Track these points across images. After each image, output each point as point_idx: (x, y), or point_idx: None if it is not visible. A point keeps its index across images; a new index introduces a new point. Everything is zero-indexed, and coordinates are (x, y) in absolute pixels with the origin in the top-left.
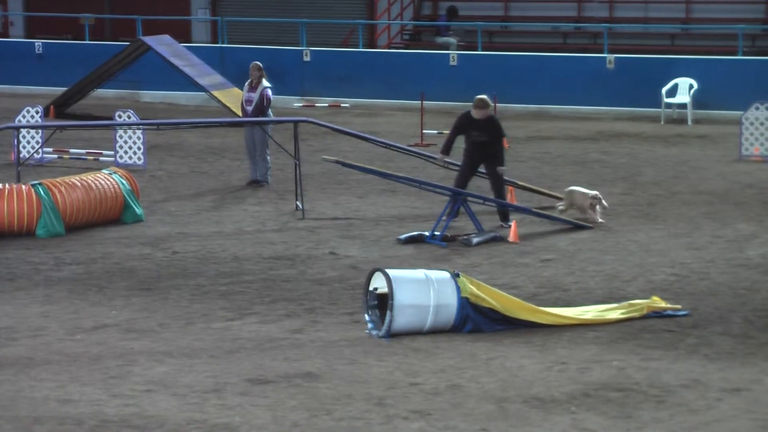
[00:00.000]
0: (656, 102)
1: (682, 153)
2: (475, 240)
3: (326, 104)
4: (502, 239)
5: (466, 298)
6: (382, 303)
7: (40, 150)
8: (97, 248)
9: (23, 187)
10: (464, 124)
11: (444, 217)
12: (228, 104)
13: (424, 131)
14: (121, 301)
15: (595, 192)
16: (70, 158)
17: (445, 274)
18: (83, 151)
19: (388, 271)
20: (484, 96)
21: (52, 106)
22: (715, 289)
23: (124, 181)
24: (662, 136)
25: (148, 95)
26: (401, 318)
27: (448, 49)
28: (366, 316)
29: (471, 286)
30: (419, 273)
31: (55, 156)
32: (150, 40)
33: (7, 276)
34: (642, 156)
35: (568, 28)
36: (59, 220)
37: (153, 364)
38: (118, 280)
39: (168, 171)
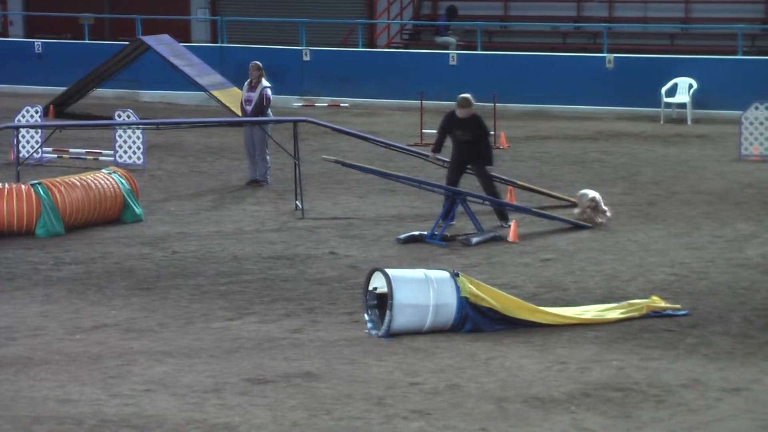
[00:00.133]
0: (656, 102)
1: (682, 153)
2: (475, 240)
3: (326, 104)
4: (501, 239)
5: (466, 298)
6: (382, 302)
7: (39, 150)
8: (96, 248)
9: (23, 186)
10: (449, 123)
11: (441, 221)
12: (227, 104)
13: (423, 131)
14: (120, 301)
15: (593, 195)
16: (70, 158)
17: (445, 274)
18: (83, 150)
19: (387, 270)
20: (467, 95)
21: (51, 106)
22: (714, 288)
23: (123, 181)
24: (662, 135)
25: (148, 95)
26: (401, 317)
27: (447, 49)
28: (365, 315)
29: (470, 286)
30: (419, 272)
31: (55, 156)
32: (149, 39)
33: (6, 275)
34: (641, 156)
35: (567, 27)
36: (59, 219)
37: (152, 364)
38: (118, 280)
39: (167, 171)
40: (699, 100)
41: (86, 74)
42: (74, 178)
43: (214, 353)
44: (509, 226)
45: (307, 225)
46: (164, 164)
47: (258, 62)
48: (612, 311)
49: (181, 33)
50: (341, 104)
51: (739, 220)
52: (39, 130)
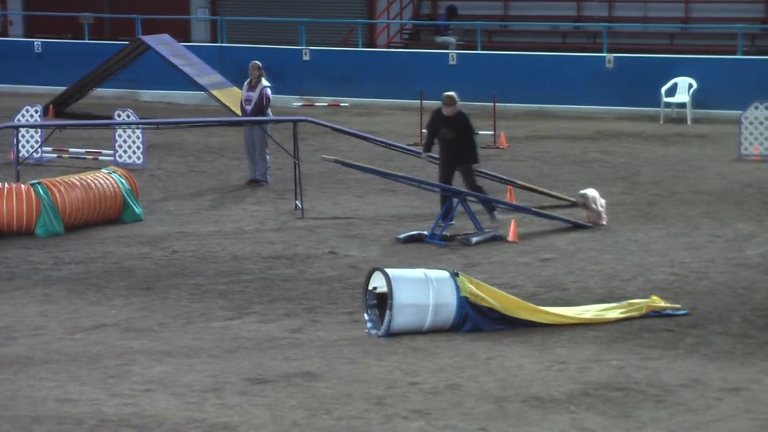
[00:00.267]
0: (655, 101)
1: (682, 152)
2: (475, 239)
3: (325, 103)
4: (501, 238)
5: (466, 298)
6: (382, 302)
7: (39, 149)
8: (96, 247)
9: (22, 186)
10: (436, 121)
11: (441, 221)
12: (227, 103)
13: (423, 131)
14: (120, 301)
15: (585, 191)
16: (70, 157)
17: (445, 274)
18: (82, 150)
19: (387, 270)
20: (451, 93)
21: (51, 106)
22: (714, 288)
23: (123, 181)
24: (661, 135)
25: (148, 94)
26: (400, 317)
27: (447, 49)
28: (365, 315)
29: (470, 286)
30: (418, 272)
31: (55, 155)
32: (149, 39)
33: (6, 275)
34: (641, 155)
35: (567, 27)
36: (58, 219)
37: (152, 364)
38: (118, 280)
39: (167, 170)
40: (699, 99)
41: (86, 74)
42: (74, 178)
43: (214, 353)
44: (497, 219)
45: (307, 225)
46: (164, 164)
47: (258, 62)
48: (612, 311)
49: (181, 33)
50: (341, 104)
51: (738, 219)
52: (39, 130)
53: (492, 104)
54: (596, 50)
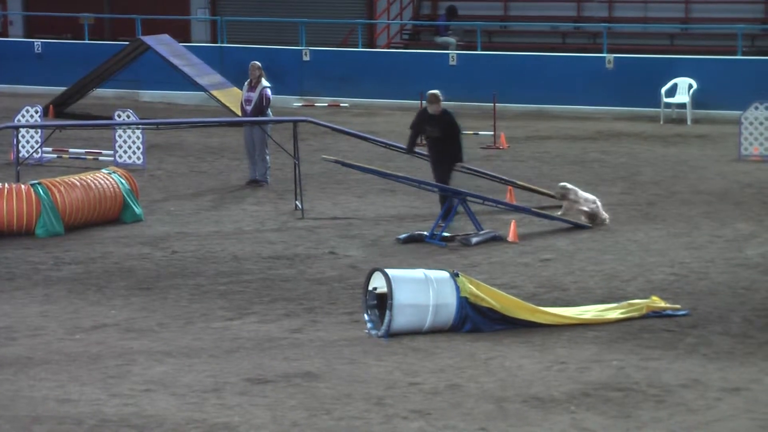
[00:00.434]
0: (655, 102)
1: (682, 153)
2: (475, 239)
3: (325, 104)
4: (501, 239)
5: (466, 298)
6: (382, 302)
7: (39, 149)
8: (96, 248)
9: (22, 186)
10: (421, 120)
11: (441, 221)
12: (227, 104)
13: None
14: (120, 301)
15: (563, 183)
16: (70, 158)
17: (445, 274)
18: (82, 150)
19: (387, 270)
20: (436, 91)
21: (51, 106)
22: (714, 288)
23: (123, 181)
24: (661, 135)
25: (148, 95)
26: (400, 317)
27: (447, 49)
28: (365, 315)
29: (470, 286)
30: (418, 272)
31: (55, 155)
32: (149, 39)
33: (6, 275)
34: (641, 156)
35: (567, 27)
36: (58, 219)
37: (152, 364)
38: (118, 280)
39: (167, 170)
40: (699, 100)
41: (86, 74)
42: (74, 178)
43: (214, 353)
44: (455, 210)
45: (307, 225)
46: (164, 164)
47: (258, 62)
48: (612, 311)
49: (181, 33)
50: (341, 104)
51: (738, 219)
52: (39, 130)
53: (492, 104)
54: (596, 50)
